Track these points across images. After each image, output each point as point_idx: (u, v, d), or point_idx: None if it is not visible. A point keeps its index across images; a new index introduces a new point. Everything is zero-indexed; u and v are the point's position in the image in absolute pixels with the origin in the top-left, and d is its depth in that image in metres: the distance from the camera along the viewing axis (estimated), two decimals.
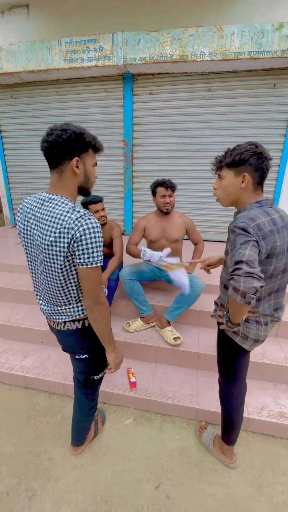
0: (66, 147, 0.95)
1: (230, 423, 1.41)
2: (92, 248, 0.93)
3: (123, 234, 4.21)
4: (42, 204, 0.99)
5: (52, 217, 0.94)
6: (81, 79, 3.66)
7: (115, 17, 3.34)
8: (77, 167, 0.99)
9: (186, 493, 1.42)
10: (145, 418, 1.82)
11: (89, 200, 2.15)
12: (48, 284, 1.05)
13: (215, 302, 1.31)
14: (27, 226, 1.03)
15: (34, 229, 1.00)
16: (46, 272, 1.03)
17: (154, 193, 2.18)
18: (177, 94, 3.51)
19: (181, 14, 3.21)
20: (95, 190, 3.98)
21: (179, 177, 3.78)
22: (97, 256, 0.95)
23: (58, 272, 0.99)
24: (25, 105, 4.05)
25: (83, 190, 1.08)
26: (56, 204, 0.96)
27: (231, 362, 1.30)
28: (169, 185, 2.09)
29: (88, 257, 0.93)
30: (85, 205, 2.18)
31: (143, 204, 4.07)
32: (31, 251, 1.06)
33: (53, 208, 0.95)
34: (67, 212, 0.93)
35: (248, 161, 1.05)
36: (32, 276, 1.14)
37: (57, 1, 3.41)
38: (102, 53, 3.17)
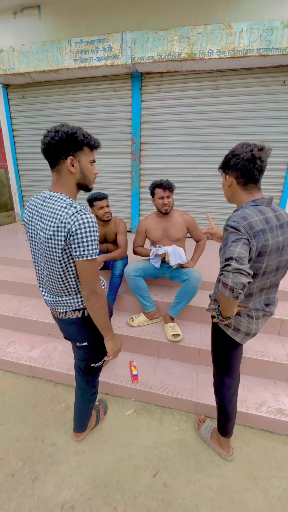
0: (59, 148, 1.00)
1: (224, 414, 1.45)
2: (87, 241, 0.98)
3: (129, 231, 4.27)
4: (44, 201, 1.06)
5: (52, 212, 1.00)
6: (91, 78, 3.72)
7: (124, 15, 3.38)
8: (73, 165, 1.04)
9: (182, 482, 1.47)
10: (145, 409, 1.87)
11: (94, 197, 2.21)
12: (50, 276, 1.12)
13: (210, 296, 1.34)
14: (31, 221, 1.10)
15: (37, 224, 1.07)
16: (47, 265, 1.09)
17: (152, 194, 2.22)
18: (185, 92, 3.52)
19: (189, 12, 3.22)
20: (103, 187, 4.10)
21: (186, 175, 3.81)
22: (92, 249, 1.00)
23: (57, 264, 1.05)
24: (36, 105, 4.16)
25: (83, 187, 1.13)
26: (56, 201, 1.02)
27: (224, 354, 1.34)
28: (166, 186, 2.11)
29: (83, 250, 0.99)
30: (90, 201, 2.24)
31: (150, 202, 4.09)
32: (35, 245, 1.13)
33: (53, 204, 1.02)
34: (65, 207, 0.99)
35: (229, 163, 1.12)
36: (36, 269, 1.21)
37: (68, 1, 3.47)
38: (111, 53, 3.21)
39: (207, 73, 3.36)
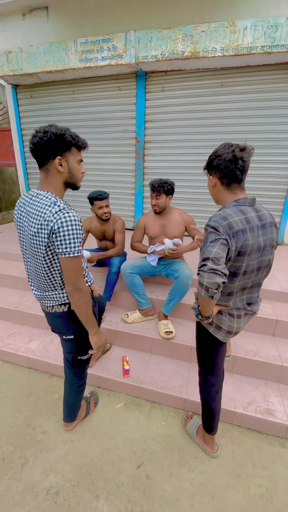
0: (48, 148, 1.05)
1: (209, 411, 1.46)
2: (69, 239, 1.02)
3: (132, 229, 4.30)
4: (31, 199, 1.11)
5: (36, 210, 1.05)
6: (96, 78, 3.77)
7: (129, 14, 3.41)
8: (61, 165, 1.09)
9: (165, 475, 1.50)
10: (135, 404, 1.92)
11: (95, 196, 2.24)
12: (36, 271, 1.17)
13: (195, 294, 1.36)
14: (20, 218, 1.15)
15: (24, 221, 1.12)
16: (34, 260, 1.14)
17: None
18: (190, 91, 3.51)
19: (194, 10, 3.21)
20: (107, 185, 4.16)
21: (190, 174, 3.81)
22: (75, 247, 1.04)
23: (42, 260, 1.10)
24: (44, 104, 4.25)
25: (71, 185, 1.18)
26: (41, 199, 1.07)
27: (208, 352, 1.35)
28: (155, 188, 2.13)
29: (66, 248, 1.03)
30: (91, 200, 2.28)
31: None
32: (23, 241, 1.18)
33: (38, 202, 1.07)
34: (49, 206, 1.04)
35: (212, 164, 1.13)
36: (25, 264, 1.27)
37: (74, 1, 3.52)
38: (115, 52, 3.25)
39: (211, 71, 3.34)
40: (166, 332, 2.14)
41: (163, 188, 2.14)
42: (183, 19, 3.19)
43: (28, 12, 3.71)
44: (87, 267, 2.34)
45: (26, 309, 2.55)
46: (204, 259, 1.00)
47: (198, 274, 1.02)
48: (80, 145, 1.13)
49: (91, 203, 2.31)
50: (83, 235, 1.13)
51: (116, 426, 1.76)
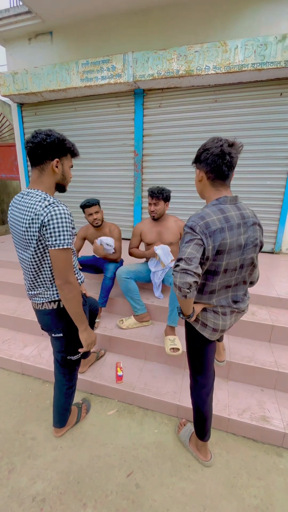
0: (49, 150, 1.13)
1: (200, 414, 1.43)
2: (59, 231, 1.07)
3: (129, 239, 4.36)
4: (22, 198, 1.17)
5: (28, 207, 1.11)
6: (96, 96, 3.97)
7: (127, 36, 3.64)
8: (57, 167, 1.17)
9: (155, 484, 1.44)
10: (127, 410, 1.87)
11: (84, 204, 2.34)
12: (28, 267, 1.21)
13: None
14: (12, 217, 1.21)
15: (17, 218, 1.17)
16: (25, 256, 1.19)
17: None
18: (185, 107, 3.66)
19: (189, 32, 3.42)
20: (107, 197, 4.27)
21: (186, 185, 3.90)
22: (64, 239, 1.08)
23: (32, 254, 1.14)
24: (47, 121, 4.46)
25: (60, 186, 1.26)
26: (32, 197, 1.13)
27: (197, 351, 1.34)
28: (154, 194, 2.19)
29: (55, 240, 1.07)
30: (82, 209, 2.37)
31: None
32: (16, 238, 1.23)
33: (30, 199, 1.12)
34: (39, 201, 1.09)
35: (200, 157, 1.13)
36: (20, 262, 1.30)
37: (77, 26, 3.80)
38: (114, 72, 3.44)
39: (205, 88, 3.50)
40: (172, 349, 1.98)
41: (162, 194, 2.20)
42: (178, 41, 3.40)
43: (34, 37, 3.99)
44: (79, 269, 2.38)
45: (22, 315, 2.55)
46: (178, 260, 1.03)
47: (172, 274, 1.04)
48: (75, 153, 1.24)
49: (83, 211, 2.38)
50: (74, 230, 1.18)
51: (107, 433, 1.71)
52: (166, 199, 2.25)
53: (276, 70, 2.97)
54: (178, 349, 1.98)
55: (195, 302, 1.22)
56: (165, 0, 3.33)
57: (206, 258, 1.06)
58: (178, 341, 2.05)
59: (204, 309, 1.22)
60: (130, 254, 2.46)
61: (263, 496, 1.40)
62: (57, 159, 1.16)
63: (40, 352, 2.28)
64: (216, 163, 1.08)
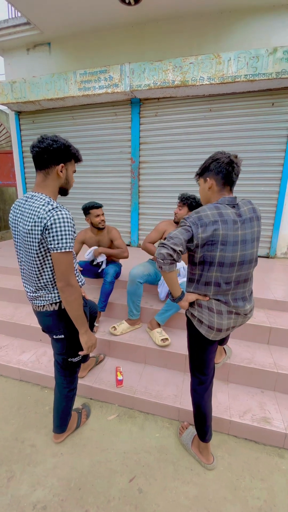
0: (55, 155, 1.17)
1: (200, 414, 1.44)
2: (61, 235, 1.08)
3: (128, 245, 4.39)
4: (26, 201, 1.19)
5: (31, 210, 1.13)
6: (94, 104, 4.05)
7: (124, 48, 3.76)
8: (62, 171, 1.21)
9: (158, 489, 1.42)
10: (128, 415, 1.85)
11: (92, 205, 2.36)
12: (29, 270, 1.21)
13: None
14: (15, 219, 1.22)
15: (19, 221, 1.19)
16: (27, 259, 1.19)
17: None
18: (180, 116, 3.77)
19: (184, 44, 3.55)
20: (105, 203, 4.26)
21: (182, 191, 3.95)
22: (66, 242, 1.10)
23: (34, 256, 1.15)
24: (45, 129, 4.52)
25: (63, 190, 1.30)
26: (36, 200, 1.15)
27: (197, 349, 1.36)
28: (181, 199, 2.25)
29: (58, 243, 1.09)
30: (86, 209, 2.38)
31: (148, 217, 4.26)
32: (18, 241, 1.24)
33: (33, 203, 1.15)
34: (43, 205, 1.12)
35: (209, 167, 1.24)
36: (20, 265, 1.31)
37: (75, 38, 3.91)
38: (111, 82, 3.53)
39: (200, 97, 3.61)
40: (163, 339, 2.12)
41: (187, 201, 2.22)
42: (174, 52, 3.52)
43: (32, 47, 4.08)
44: (80, 271, 2.37)
45: (20, 321, 2.53)
46: (165, 238, 1.10)
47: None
48: (79, 159, 1.29)
49: (87, 212, 2.40)
50: (75, 234, 1.20)
51: (108, 438, 1.69)
52: (191, 207, 2.23)
53: (268, 81, 3.10)
54: (167, 339, 2.13)
55: (191, 292, 1.30)
56: (161, 14, 3.47)
57: (196, 245, 1.15)
58: (165, 332, 2.20)
59: (199, 306, 1.26)
60: (144, 247, 2.43)
61: (266, 497, 1.40)
62: (62, 164, 1.20)
63: (38, 357, 2.25)
64: (227, 170, 1.20)
